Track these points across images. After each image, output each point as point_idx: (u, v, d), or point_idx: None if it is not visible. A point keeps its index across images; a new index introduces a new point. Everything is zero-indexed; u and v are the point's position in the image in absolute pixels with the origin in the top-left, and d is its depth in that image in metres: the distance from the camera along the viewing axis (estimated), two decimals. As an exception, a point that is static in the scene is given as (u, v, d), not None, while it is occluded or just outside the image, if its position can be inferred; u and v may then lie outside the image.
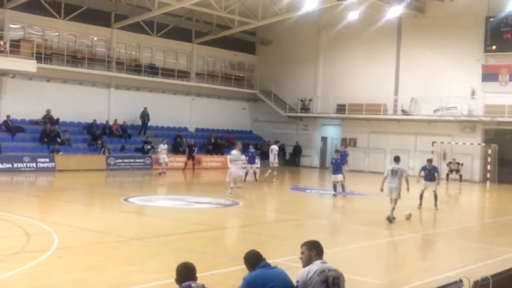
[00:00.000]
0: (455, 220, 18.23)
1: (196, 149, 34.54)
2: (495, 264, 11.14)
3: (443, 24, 35.49)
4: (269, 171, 29.89)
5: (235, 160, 21.89)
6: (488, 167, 32.89)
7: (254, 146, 32.42)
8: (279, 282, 5.74)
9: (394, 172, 16.82)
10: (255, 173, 28.78)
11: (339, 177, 22.92)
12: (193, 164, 33.78)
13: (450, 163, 32.26)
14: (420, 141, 36.20)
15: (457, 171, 31.78)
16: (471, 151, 33.90)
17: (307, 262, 5.97)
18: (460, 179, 31.65)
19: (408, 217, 17.18)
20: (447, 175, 31.97)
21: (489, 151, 32.99)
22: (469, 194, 29.29)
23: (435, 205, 19.83)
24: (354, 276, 9.44)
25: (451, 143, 34.39)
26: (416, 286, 9.51)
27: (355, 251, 12.83)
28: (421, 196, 19.84)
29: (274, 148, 30.76)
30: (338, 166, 22.98)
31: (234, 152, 22.28)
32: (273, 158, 29.91)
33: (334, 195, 22.86)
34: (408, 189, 17.15)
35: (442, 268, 11.16)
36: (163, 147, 30.72)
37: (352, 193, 25.33)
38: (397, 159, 17.47)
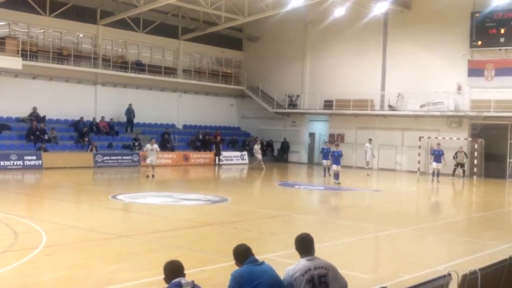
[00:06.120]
0: (442, 214, 18.32)
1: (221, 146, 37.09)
2: (483, 257, 11.21)
3: (429, 20, 35.63)
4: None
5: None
6: (475, 161, 33.07)
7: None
8: (266, 278, 5.72)
9: None
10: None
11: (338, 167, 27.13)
12: (219, 160, 35.99)
13: (456, 153, 31.95)
14: (407, 136, 36.35)
15: (462, 165, 31.71)
16: (457, 146, 34.06)
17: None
18: (463, 174, 31.74)
19: None
20: (454, 169, 31.81)
21: (476, 146, 33.16)
22: (456, 188, 29.46)
23: None
24: (342, 271, 9.41)
25: (438, 138, 34.53)
26: (404, 280, 9.52)
27: (344, 246, 12.86)
28: None
29: (368, 146, 33.68)
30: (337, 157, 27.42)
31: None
32: (369, 156, 33.56)
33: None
34: None
35: (430, 262, 11.21)
36: (149, 147, 26.32)
37: (340, 188, 25.41)
38: None
